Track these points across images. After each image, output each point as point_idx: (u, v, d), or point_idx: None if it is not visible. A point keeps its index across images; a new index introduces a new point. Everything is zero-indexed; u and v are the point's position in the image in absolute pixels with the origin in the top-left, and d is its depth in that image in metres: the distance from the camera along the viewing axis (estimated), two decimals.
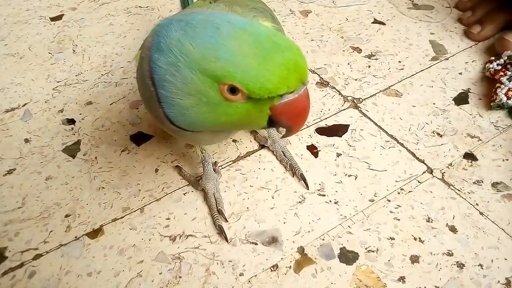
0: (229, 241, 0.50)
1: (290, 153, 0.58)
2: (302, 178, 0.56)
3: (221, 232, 0.51)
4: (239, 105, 0.36)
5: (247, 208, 0.53)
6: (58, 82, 0.70)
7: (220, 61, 0.34)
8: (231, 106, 0.36)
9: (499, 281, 0.47)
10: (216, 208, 0.52)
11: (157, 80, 0.38)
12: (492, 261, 0.48)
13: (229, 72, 0.34)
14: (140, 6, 0.85)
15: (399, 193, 0.55)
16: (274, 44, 0.35)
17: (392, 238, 0.51)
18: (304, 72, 0.36)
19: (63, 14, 0.84)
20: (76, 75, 0.71)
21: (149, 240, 0.51)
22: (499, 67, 0.66)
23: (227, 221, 0.52)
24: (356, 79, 0.70)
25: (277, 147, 0.59)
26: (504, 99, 0.63)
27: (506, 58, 0.67)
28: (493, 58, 0.69)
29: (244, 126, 0.42)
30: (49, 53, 0.76)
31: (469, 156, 0.59)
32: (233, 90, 0.35)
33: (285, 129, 0.40)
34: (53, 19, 0.83)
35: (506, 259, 0.48)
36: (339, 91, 0.68)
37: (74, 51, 0.76)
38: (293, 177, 0.56)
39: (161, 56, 0.37)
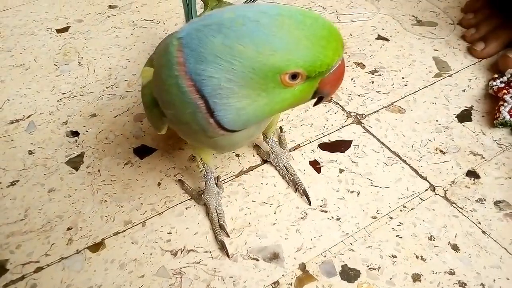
0: (230, 256, 0.50)
1: (293, 168, 0.58)
2: (305, 194, 0.55)
3: (222, 247, 0.51)
4: (296, 88, 0.37)
5: (249, 223, 0.53)
6: (63, 94, 0.71)
7: (278, 52, 0.34)
8: (290, 91, 0.37)
9: None
10: (218, 223, 0.52)
11: (209, 90, 0.36)
12: (494, 280, 0.48)
13: (290, 60, 0.35)
14: (145, 19, 0.86)
15: (401, 210, 0.55)
16: (312, 19, 0.36)
17: (394, 256, 0.50)
18: (341, 37, 0.37)
19: (69, 26, 0.85)
20: (81, 87, 0.72)
21: (151, 254, 0.51)
22: (502, 85, 0.66)
23: (229, 236, 0.52)
24: (359, 95, 0.70)
25: (279, 162, 0.58)
26: (507, 117, 0.63)
27: (509, 75, 0.67)
28: (496, 75, 0.69)
29: (293, 106, 0.42)
30: (55, 64, 0.76)
31: (472, 174, 0.59)
32: (294, 76, 0.36)
33: (324, 96, 0.41)
34: (59, 31, 0.84)
35: (508, 279, 0.48)
36: (342, 107, 0.68)
37: (79, 63, 0.77)
38: (296, 192, 0.56)
39: (207, 66, 0.35)
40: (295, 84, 0.37)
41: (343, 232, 0.53)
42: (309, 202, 0.55)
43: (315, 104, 0.44)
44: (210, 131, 0.40)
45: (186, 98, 0.37)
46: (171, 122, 0.44)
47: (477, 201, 0.56)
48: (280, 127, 0.64)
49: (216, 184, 0.56)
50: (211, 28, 0.35)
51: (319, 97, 0.42)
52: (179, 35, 0.37)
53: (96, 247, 0.52)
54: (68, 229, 0.53)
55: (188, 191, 0.57)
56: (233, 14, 0.36)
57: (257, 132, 0.51)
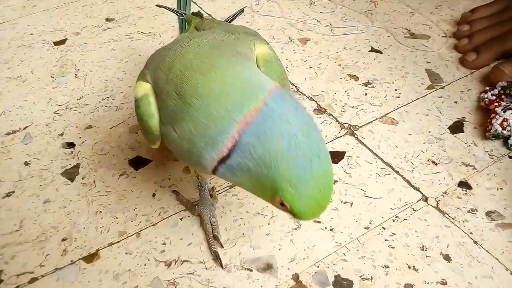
0: (224, 267, 0.51)
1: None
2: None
3: (216, 258, 0.51)
4: (283, 209, 0.38)
5: (243, 234, 0.54)
6: (59, 105, 0.71)
7: (293, 189, 0.36)
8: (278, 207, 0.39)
9: None
10: (212, 233, 0.53)
11: (232, 160, 0.37)
12: None
13: (290, 200, 0.36)
14: (142, 32, 0.87)
15: (394, 220, 0.55)
16: (326, 183, 0.37)
17: (387, 266, 0.51)
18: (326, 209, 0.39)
19: (66, 39, 0.86)
20: (77, 99, 0.72)
21: (145, 265, 0.51)
22: (494, 97, 0.67)
23: (223, 247, 0.52)
24: (353, 107, 0.71)
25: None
26: (499, 129, 0.63)
27: (500, 88, 0.68)
28: (487, 88, 0.70)
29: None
30: (52, 77, 0.77)
31: (464, 185, 0.59)
32: (283, 204, 0.37)
33: None
34: (56, 43, 0.85)
35: None
36: (336, 118, 0.69)
37: (76, 75, 0.77)
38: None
39: (258, 146, 0.36)
40: (282, 208, 0.38)
41: (336, 242, 0.53)
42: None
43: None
44: (206, 169, 0.40)
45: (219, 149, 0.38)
46: (168, 144, 0.45)
47: (469, 211, 0.56)
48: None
49: (210, 195, 0.56)
50: (280, 131, 0.36)
51: None
52: (267, 99, 0.37)
53: (90, 258, 0.52)
54: (63, 240, 0.54)
55: (183, 201, 0.57)
56: (301, 137, 0.36)
57: None
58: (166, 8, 0.69)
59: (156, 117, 0.44)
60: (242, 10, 0.69)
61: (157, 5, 0.72)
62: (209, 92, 0.38)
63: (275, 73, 0.46)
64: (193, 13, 0.65)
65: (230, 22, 0.67)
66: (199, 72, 0.40)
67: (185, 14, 0.66)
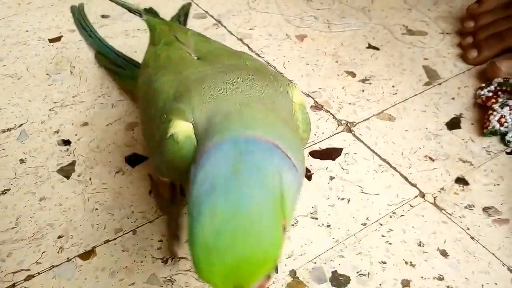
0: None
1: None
2: None
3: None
4: None
5: None
6: (55, 103, 0.71)
7: (191, 239, 0.31)
8: None
9: None
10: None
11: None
12: (482, 286, 0.49)
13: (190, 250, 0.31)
14: (138, 29, 0.86)
15: (391, 217, 0.55)
16: (226, 241, 0.29)
17: (384, 262, 0.51)
18: (242, 280, 0.30)
19: (61, 36, 0.85)
20: (73, 97, 0.72)
21: (141, 262, 0.51)
22: (490, 94, 0.67)
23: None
24: (350, 103, 0.70)
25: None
26: (497, 126, 0.63)
27: (496, 85, 0.68)
28: (483, 84, 0.70)
29: None
30: (47, 74, 0.77)
31: (461, 181, 0.59)
32: None
33: None
34: (51, 40, 0.84)
35: (496, 284, 0.49)
36: (333, 115, 0.68)
37: (71, 72, 0.77)
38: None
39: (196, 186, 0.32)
40: None
41: (333, 238, 0.53)
42: (276, 270, 0.47)
43: None
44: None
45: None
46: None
47: (466, 207, 0.56)
48: None
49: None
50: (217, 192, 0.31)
51: None
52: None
53: (87, 255, 0.52)
54: (59, 237, 0.53)
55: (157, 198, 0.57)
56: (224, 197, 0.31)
57: None
58: (119, 4, 0.63)
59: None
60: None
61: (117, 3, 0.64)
62: None
63: (306, 119, 0.44)
64: (145, 9, 0.60)
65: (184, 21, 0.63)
66: None
67: (140, 11, 0.61)
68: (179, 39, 0.53)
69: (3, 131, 0.66)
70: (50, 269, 0.51)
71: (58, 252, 0.52)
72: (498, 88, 0.67)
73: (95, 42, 0.56)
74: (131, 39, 0.84)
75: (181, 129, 0.40)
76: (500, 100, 0.66)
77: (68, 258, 0.51)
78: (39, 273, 0.50)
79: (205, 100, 0.40)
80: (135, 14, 0.63)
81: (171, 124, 0.40)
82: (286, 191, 0.33)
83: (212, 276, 0.30)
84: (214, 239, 0.29)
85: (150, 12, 0.60)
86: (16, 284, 0.49)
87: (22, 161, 0.62)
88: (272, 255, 0.30)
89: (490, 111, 0.65)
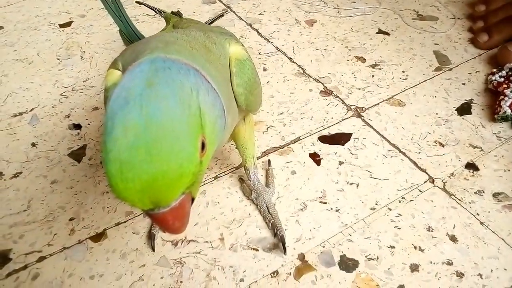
0: (154, 250, 0.51)
1: (275, 210, 0.53)
2: (282, 241, 0.50)
3: (150, 239, 0.51)
4: None
5: (249, 214, 0.54)
6: (65, 87, 0.71)
7: (103, 152, 0.30)
8: None
9: None
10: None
11: None
12: (491, 271, 0.49)
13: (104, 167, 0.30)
14: (147, 14, 0.86)
15: (400, 202, 0.55)
16: (134, 154, 0.29)
17: (393, 247, 0.51)
18: (158, 199, 0.30)
19: (72, 21, 0.85)
20: (83, 81, 0.72)
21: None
22: (502, 79, 0.67)
23: (164, 232, 0.51)
24: (359, 88, 0.70)
25: (261, 201, 0.54)
26: (509, 111, 0.63)
27: (508, 70, 0.67)
28: (495, 70, 0.69)
29: None
30: (57, 59, 0.77)
31: (471, 166, 0.59)
32: None
33: None
34: (62, 25, 0.85)
35: (505, 269, 0.49)
36: (342, 100, 0.68)
37: (82, 57, 0.77)
38: (274, 237, 0.52)
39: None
40: None
41: (342, 223, 0.53)
42: (285, 251, 0.50)
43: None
44: None
45: None
46: None
47: (475, 193, 0.56)
48: (269, 160, 0.60)
49: None
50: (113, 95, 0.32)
51: None
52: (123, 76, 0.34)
53: (98, 237, 0.52)
54: (71, 219, 0.54)
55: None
56: (136, 82, 0.31)
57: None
58: (146, 5, 0.70)
59: None
60: (222, 15, 0.70)
61: (136, 2, 0.71)
62: None
63: (246, 74, 0.44)
64: (172, 12, 0.65)
65: (210, 24, 0.67)
66: None
67: (164, 12, 0.66)
68: (178, 22, 0.59)
69: (15, 115, 0.67)
70: (62, 251, 0.51)
71: (69, 234, 0.53)
72: (510, 73, 0.67)
73: (122, 22, 0.60)
74: (140, 24, 0.84)
75: (110, 77, 0.41)
76: (511, 85, 0.65)
77: (79, 240, 0.52)
78: (50, 255, 0.51)
79: (138, 49, 0.40)
80: (157, 13, 0.68)
81: (105, 75, 0.42)
82: (205, 108, 0.32)
83: (127, 192, 0.29)
84: (127, 153, 0.29)
85: (177, 14, 0.65)
86: (28, 266, 0.50)
87: (33, 144, 0.63)
88: (187, 169, 0.30)
89: (501, 97, 0.65)
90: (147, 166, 0.29)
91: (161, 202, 0.31)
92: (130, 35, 0.61)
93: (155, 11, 0.68)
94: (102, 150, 0.30)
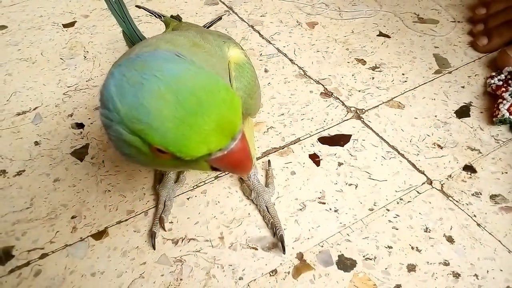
0: (155, 249, 0.52)
1: (275, 210, 0.54)
2: (281, 240, 0.51)
3: (151, 238, 0.52)
4: (173, 160, 0.35)
5: (249, 214, 0.55)
6: (68, 87, 0.72)
7: (141, 123, 0.33)
8: (167, 160, 0.35)
9: None
10: (160, 214, 0.54)
11: (108, 130, 0.36)
12: (487, 271, 0.49)
13: (148, 135, 0.33)
14: (150, 15, 0.87)
15: (398, 203, 0.56)
16: (198, 102, 0.32)
17: (390, 247, 0.52)
18: (232, 128, 0.34)
19: (75, 21, 0.86)
20: (86, 81, 0.73)
21: None
22: (501, 83, 0.67)
23: (165, 230, 0.53)
24: (359, 90, 0.71)
25: (260, 201, 0.54)
26: (507, 114, 0.63)
27: (507, 73, 0.67)
28: (494, 73, 0.70)
29: (191, 169, 0.40)
30: (61, 58, 0.78)
31: (469, 168, 0.60)
32: (160, 150, 0.34)
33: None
34: (65, 25, 0.85)
35: (501, 270, 0.49)
36: (342, 102, 0.69)
37: (85, 57, 0.78)
38: (273, 236, 0.53)
39: (102, 107, 0.35)
40: (165, 157, 0.35)
41: (340, 223, 0.54)
42: (283, 251, 0.51)
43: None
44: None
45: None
46: None
47: (473, 194, 0.57)
48: (269, 161, 0.60)
49: (177, 179, 0.57)
50: (118, 75, 0.34)
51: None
52: (110, 70, 0.37)
53: (99, 235, 0.53)
54: (73, 217, 0.55)
55: (156, 175, 0.58)
56: (140, 65, 0.34)
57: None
58: (145, 9, 0.71)
59: None
60: (220, 18, 0.71)
61: (136, 6, 0.72)
62: None
63: (245, 78, 0.45)
64: (171, 16, 0.66)
65: (208, 28, 0.68)
66: None
67: (163, 16, 0.67)
68: (177, 26, 0.60)
69: (18, 114, 0.68)
70: (64, 248, 0.52)
71: (71, 232, 0.53)
72: (509, 77, 0.67)
73: (125, 23, 0.61)
74: (142, 25, 0.85)
75: None
76: (510, 89, 0.66)
77: (81, 238, 0.53)
78: (53, 252, 0.52)
79: (139, 49, 0.42)
80: (156, 17, 0.69)
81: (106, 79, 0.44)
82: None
83: (205, 136, 0.33)
84: (180, 111, 0.32)
85: (176, 18, 0.66)
86: (30, 262, 0.51)
87: (36, 143, 0.63)
88: (237, 98, 0.35)
89: (500, 100, 0.65)
90: (202, 107, 0.32)
91: (234, 130, 0.34)
92: (132, 37, 0.62)
93: (155, 15, 0.68)
94: (157, 138, 0.32)
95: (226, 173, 0.59)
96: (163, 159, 0.35)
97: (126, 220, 0.54)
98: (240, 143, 0.35)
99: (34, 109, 0.69)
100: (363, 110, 0.68)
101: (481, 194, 0.57)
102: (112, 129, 0.35)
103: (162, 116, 0.32)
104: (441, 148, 0.62)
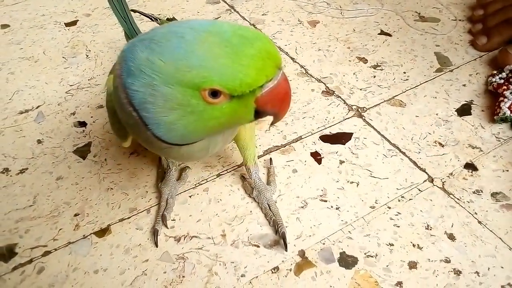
0: (157, 246, 0.52)
1: (277, 207, 0.54)
2: (283, 237, 0.51)
3: (153, 235, 0.52)
4: (224, 106, 0.36)
5: (250, 211, 0.55)
6: (71, 85, 0.72)
7: (194, 69, 0.34)
8: (217, 108, 0.36)
9: None
10: (162, 212, 0.54)
11: (137, 104, 0.37)
12: (488, 269, 0.49)
13: (205, 77, 0.34)
14: (152, 14, 0.87)
15: (399, 200, 0.56)
16: (242, 38, 0.35)
17: (391, 244, 0.52)
18: (277, 57, 0.37)
19: (77, 20, 0.87)
20: (88, 79, 0.73)
21: None
22: (502, 81, 0.67)
23: (168, 228, 0.53)
24: (361, 89, 0.71)
25: (262, 199, 0.55)
26: (508, 112, 0.64)
27: (508, 72, 0.68)
28: (495, 72, 0.70)
29: (233, 124, 0.41)
30: (63, 57, 0.78)
31: (470, 166, 0.60)
32: (214, 93, 0.35)
33: (272, 117, 0.40)
34: (67, 24, 0.86)
35: (502, 267, 0.49)
36: (344, 100, 0.69)
37: (87, 56, 0.78)
38: (275, 234, 0.53)
39: (134, 80, 0.36)
40: (219, 102, 0.36)
41: (342, 220, 0.54)
42: (286, 248, 0.51)
43: (272, 124, 0.42)
44: (157, 145, 0.40)
45: (125, 109, 0.38)
46: (129, 131, 0.44)
47: (474, 192, 0.57)
48: (270, 159, 0.61)
49: (179, 176, 0.58)
50: (144, 43, 0.36)
51: (274, 116, 0.40)
52: (124, 47, 0.38)
53: (102, 232, 0.53)
54: (75, 215, 0.55)
55: (158, 173, 0.59)
56: (166, 29, 0.36)
57: (216, 146, 0.47)
58: (141, 13, 0.71)
59: None
60: (156, 19, 0.71)
61: (132, 10, 0.72)
62: None
63: None
64: (167, 19, 0.66)
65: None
66: None
67: (159, 19, 0.67)
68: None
69: (21, 113, 0.68)
70: (67, 245, 0.52)
71: (74, 229, 0.54)
72: (510, 75, 0.67)
73: (126, 23, 0.62)
74: (145, 24, 0.85)
75: (111, 82, 0.43)
76: (511, 87, 0.66)
77: (84, 235, 0.53)
78: (55, 249, 0.52)
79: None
80: (152, 20, 0.69)
81: (107, 80, 0.45)
82: None
83: (262, 64, 0.35)
84: (230, 47, 0.34)
85: (171, 20, 0.66)
86: (33, 259, 0.51)
87: (39, 141, 0.64)
88: (268, 39, 0.37)
89: (501, 98, 0.65)
90: (255, 39, 0.36)
91: (279, 60, 0.37)
92: (133, 37, 0.62)
93: (150, 18, 0.68)
94: (207, 78, 0.35)
95: (227, 171, 0.59)
96: (216, 107, 0.36)
97: (128, 217, 0.55)
98: (284, 75, 0.38)
99: (37, 107, 0.69)
100: (365, 109, 0.68)
101: (482, 192, 0.57)
102: (152, 96, 0.36)
103: (215, 55, 0.34)
104: (442, 146, 0.62)
